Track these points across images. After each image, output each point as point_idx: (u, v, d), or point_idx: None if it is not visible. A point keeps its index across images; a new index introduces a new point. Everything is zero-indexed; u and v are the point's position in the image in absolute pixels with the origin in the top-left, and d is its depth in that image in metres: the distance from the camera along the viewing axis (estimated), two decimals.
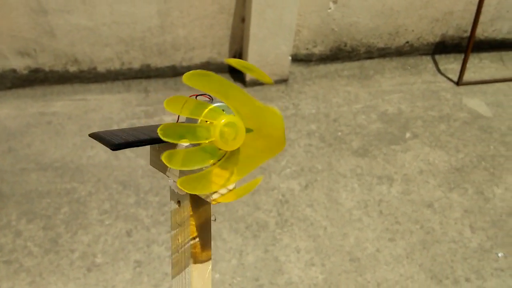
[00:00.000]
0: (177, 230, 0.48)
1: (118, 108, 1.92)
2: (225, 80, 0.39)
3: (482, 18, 2.30)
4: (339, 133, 1.86)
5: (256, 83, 2.10)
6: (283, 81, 2.14)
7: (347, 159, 1.73)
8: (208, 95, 0.42)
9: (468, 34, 2.39)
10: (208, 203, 0.46)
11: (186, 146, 0.42)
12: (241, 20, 2.02)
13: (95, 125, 1.83)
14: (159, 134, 0.39)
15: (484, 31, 2.44)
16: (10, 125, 1.81)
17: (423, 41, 2.39)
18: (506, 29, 2.47)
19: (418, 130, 1.90)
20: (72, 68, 1.98)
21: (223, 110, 0.41)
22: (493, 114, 2.02)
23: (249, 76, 2.07)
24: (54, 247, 1.38)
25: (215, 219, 0.49)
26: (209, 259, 0.48)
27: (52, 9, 1.79)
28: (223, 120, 0.40)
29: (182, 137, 0.40)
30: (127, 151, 1.71)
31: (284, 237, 1.42)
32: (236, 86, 0.39)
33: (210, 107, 0.41)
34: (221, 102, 0.41)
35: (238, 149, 0.42)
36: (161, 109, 1.94)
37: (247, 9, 1.94)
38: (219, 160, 0.42)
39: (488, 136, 1.88)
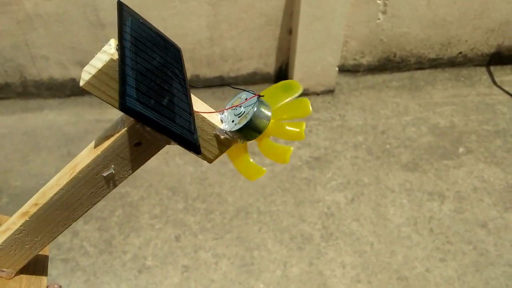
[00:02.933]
0: None
1: None
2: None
3: None
4: (387, 146, 1.83)
5: (302, 94, 2.10)
6: (329, 91, 2.13)
7: (396, 173, 1.69)
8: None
9: None
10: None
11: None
12: (288, 32, 2.04)
13: None
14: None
15: None
16: (69, 130, 1.92)
17: (477, 51, 2.30)
18: None
19: (472, 145, 1.83)
20: None
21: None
22: None
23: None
24: (108, 248, 1.45)
25: None
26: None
27: (110, 23, 1.89)
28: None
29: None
30: (177, 159, 1.77)
31: (329, 251, 1.41)
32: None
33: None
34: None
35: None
36: None
37: (295, 21, 1.95)
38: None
39: None
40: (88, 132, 1.91)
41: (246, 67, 2.13)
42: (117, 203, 1.59)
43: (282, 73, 2.19)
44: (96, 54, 0.36)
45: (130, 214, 1.55)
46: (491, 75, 2.29)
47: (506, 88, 2.19)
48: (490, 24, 2.21)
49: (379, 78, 2.25)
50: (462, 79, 2.26)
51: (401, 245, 1.42)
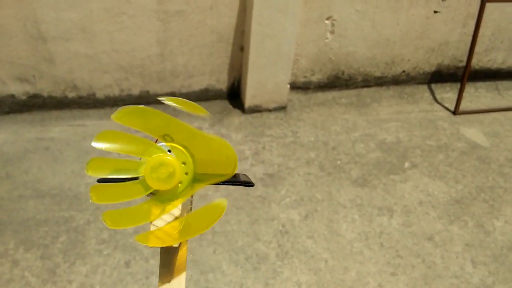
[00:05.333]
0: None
1: None
2: (165, 115, 0.37)
3: (477, 48, 2.36)
4: (338, 162, 1.87)
5: (254, 110, 2.11)
6: (281, 108, 2.15)
7: (347, 189, 1.73)
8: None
9: (463, 64, 2.44)
10: (182, 249, 0.44)
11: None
12: (240, 49, 2.04)
13: (93, 151, 1.81)
14: (86, 170, 0.38)
15: (479, 61, 2.49)
16: (7, 150, 1.79)
17: (419, 70, 2.43)
18: (500, 59, 2.52)
19: (416, 159, 1.91)
20: (71, 94, 1.97)
21: (168, 151, 0.39)
22: (491, 144, 2.04)
23: (248, 103, 2.08)
24: (51, 278, 1.35)
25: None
26: None
27: (52, 36, 1.80)
28: (155, 155, 0.38)
29: (113, 172, 0.39)
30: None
31: (284, 270, 1.41)
32: (178, 120, 0.38)
33: (152, 145, 0.39)
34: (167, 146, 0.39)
35: (176, 187, 0.40)
36: None
37: (246, 38, 1.96)
38: (152, 194, 0.40)
39: (487, 167, 1.89)
40: (29, 152, 1.79)
41: (198, 84, 2.11)
42: (60, 228, 1.49)
43: (235, 89, 2.18)
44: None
45: (75, 240, 1.46)
46: (432, 92, 2.42)
47: (446, 105, 2.32)
48: (431, 44, 2.35)
49: (329, 95, 2.31)
50: (406, 96, 2.37)
51: (354, 260, 1.44)
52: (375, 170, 1.83)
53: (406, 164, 1.88)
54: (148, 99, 2.07)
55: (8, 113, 1.96)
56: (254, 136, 1.97)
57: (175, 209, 0.40)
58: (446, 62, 2.44)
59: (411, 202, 1.68)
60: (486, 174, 1.85)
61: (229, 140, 1.91)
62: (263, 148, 1.90)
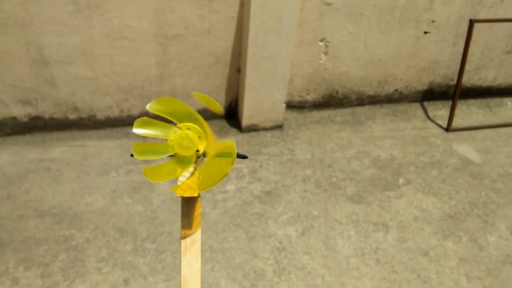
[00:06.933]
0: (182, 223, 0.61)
1: (116, 154, 1.95)
2: (186, 106, 0.55)
3: (467, 67, 2.42)
4: (334, 179, 1.90)
5: (251, 129, 2.16)
6: (278, 127, 2.20)
7: (343, 205, 1.76)
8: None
9: (454, 82, 2.50)
10: (196, 204, 0.60)
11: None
12: (236, 70, 2.11)
13: (93, 171, 1.85)
14: (133, 153, 0.55)
15: (470, 79, 2.55)
16: (9, 171, 1.82)
17: (411, 88, 2.49)
18: (491, 77, 2.58)
19: (410, 176, 1.94)
20: (72, 116, 2.02)
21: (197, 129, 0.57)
22: (483, 161, 2.08)
23: (245, 122, 2.13)
24: None
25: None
26: (198, 252, 0.60)
27: (54, 60, 1.85)
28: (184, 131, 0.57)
29: (154, 153, 0.55)
30: (125, 197, 1.73)
31: (282, 286, 1.42)
32: (198, 114, 0.56)
33: (174, 128, 0.56)
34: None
35: (199, 167, 0.57)
36: None
37: (243, 60, 2.02)
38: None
39: (479, 182, 1.93)
40: (30, 172, 1.82)
41: (196, 104, 2.15)
42: (60, 247, 1.52)
43: (232, 109, 2.23)
44: None
45: (75, 258, 1.48)
46: (425, 110, 2.47)
47: (439, 122, 2.37)
48: (422, 63, 2.42)
49: (324, 113, 2.36)
50: (399, 114, 2.42)
51: (350, 276, 1.46)
52: (370, 187, 1.86)
53: (401, 181, 1.92)
54: None
55: (9, 134, 2.00)
56: (251, 154, 2.01)
57: (186, 173, 0.57)
58: (438, 80, 2.51)
59: (406, 218, 1.71)
60: (479, 189, 1.89)
61: None
62: (260, 166, 1.94)
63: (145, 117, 0.57)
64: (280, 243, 1.58)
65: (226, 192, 1.79)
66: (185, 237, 0.60)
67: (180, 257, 0.60)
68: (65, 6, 1.75)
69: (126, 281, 1.42)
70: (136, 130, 0.56)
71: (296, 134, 2.18)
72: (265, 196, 1.78)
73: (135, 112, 2.08)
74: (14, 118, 1.97)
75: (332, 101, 2.38)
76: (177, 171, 0.56)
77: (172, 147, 0.55)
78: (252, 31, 1.88)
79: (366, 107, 2.44)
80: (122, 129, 2.10)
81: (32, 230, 1.57)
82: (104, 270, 1.45)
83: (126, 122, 2.10)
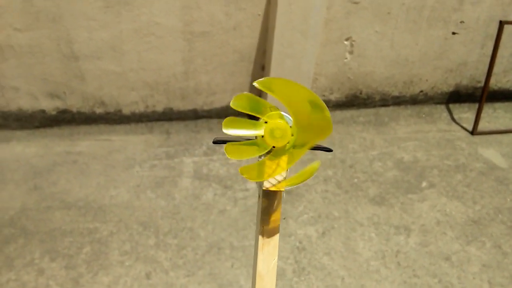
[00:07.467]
0: (259, 219, 0.60)
1: (140, 149, 1.98)
2: (290, 81, 0.52)
3: (495, 69, 2.37)
4: (356, 180, 1.89)
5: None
6: None
7: (364, 207, 1.75)
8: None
9: (481, 84, 2.45)
10: (278, 201, 0.59)
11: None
12: (261, 68, 2.11)
13: (119, 165, 1.88)
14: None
15: (497, 82, 2.49)
16: (37, 163, 1.88)
17: (437, 90, 2.45)
18: None
19: (434, 179, 1.92)
20: (99, 110, 2.06)
21: (282, 117, 0.53)
22: (509, 166, 2.03)
23: None
24: (75, 287, 1.41)
25: (284, 218, 0.62)
26: (276, 248, 0.59)
27: (84, 55, 1.89)
28: (277, 121, 0.53)
29: (241, 128, 0.53)
30: (149, 192, 1.76)
31: (301, 286, 1.43)
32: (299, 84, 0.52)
33: (273, 112, 0.53)
34: (286, 113, 0.54)
35: (285, 146, 0.53)
36: (182, 150, 2.00)
37: (267, 58, 2.02)
38: (268, 153, 0.54)
39: (505, 188, 1.89)
40: (57, 165, 1.87)
41: (220, 101, 2.17)
42: (85, 240, 1.56)
43: None
44: None
45: (98, 251, 1.52)
46: (450, 112, 2.43)
47: (464, 125, 2.32)
48: (449, 64, 2.37)
49: (347, 113, 2.34)
50: (424, 116, 2.39)
51: (370, 278, 1.46)
52: (392, 189, 1.85)
53: (424, 184, 1.89)
54: (171, 116, 2.15)
55: (38, 127, 2.06)
56: None
57: (284, 172, 0.55)
58: (465, 82, 2.46)
59: (429, 222, 1.69)
60: (504, 195, 1.85)
61: None
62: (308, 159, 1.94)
63: (231, 117, 0.55)
64: (300, 242, 1.58)
65: (247, 190, 1.80)
66: (263, 232, 0.59)
67: (256, 253, 0.59)
68: (95, 1, 1.78)
69: (148, 275, 1.45)
70: (227, 131, 0.54)
71: None
72: (286, 195, 1.78)
73: (159, 108, 2.11)
74: (43, 111, 2.02)
75: (355, 101, 2.36)
76: (271, 168, 0.54)
77: (263, 142, 0.53)
78: (278, 29, 1.88)
79: (390, 108, 2.41)
80: (146, 125, 2.13)
81: (58, 221, 1.62)
82: (127, 264, 1.48)
83: (151, 117, 2.13)
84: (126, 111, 2.09)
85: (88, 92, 2.00)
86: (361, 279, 1.45)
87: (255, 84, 0.51)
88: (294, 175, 0.55)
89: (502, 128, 2.32)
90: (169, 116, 2.15)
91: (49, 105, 2.01)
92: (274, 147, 0.53)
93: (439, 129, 2.28)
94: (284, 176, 0.55)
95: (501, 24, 2.12)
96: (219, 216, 1.67)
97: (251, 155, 0.54)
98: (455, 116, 2.40)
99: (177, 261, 1.50)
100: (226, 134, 0.54)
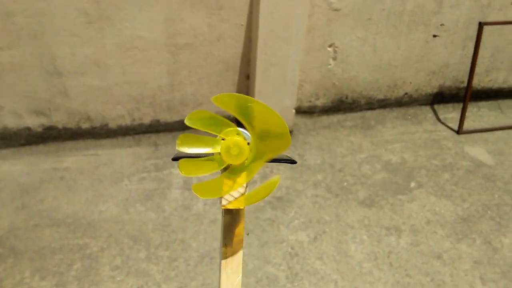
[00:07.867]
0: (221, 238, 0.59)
1: (129, 162, 1.97)
2: (245, 97, 0.50)
3: (477, 69, 2.41)
4: (345, 183, 1.90)
5: None
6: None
7: (355, 210, 1.75)
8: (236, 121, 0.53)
9: (465, 84, 2.49)
10: (240, 217, 0.57)
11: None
12: (246, 77, 2.12)
13: (106, 180, 1.87)
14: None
15: (480, 81, 2.54)
16: (23, 181, 1.85)
17: (421, 92, 2.48)
18: (501, 79, 2.57)
19: (422, 179, 1.93)
20: (85, 125, 2.05)
21: (239, 133, 0.52)
22: (495, 163, 2.06)
23: None
24: None
25: (247, 234, 0.60)
26: (240, 266, 0.58)
27: (67, 71, 1.89)
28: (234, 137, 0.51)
29: (196, 146, 0.52)
30: (138, 205, 1.74)
31: None
32: (254, 100, 0.50)
33: (230, 128, 0.51)
34: (243, 129, 0.52)
35: (243, 163, 0.52)
36: (170, 162, 1.99)
37: (252, 67, 2.04)
38: (225, 170, 0.52)
39: (492, 184, 1.91)
40: (44, 182, 1.85)
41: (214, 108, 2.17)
42: (75, 256, 1.54)
43: None
44: None
45: (89, 267, 1.50)
46: (435, 113, 2.46)
47: (450, 125, 2.36)
48: (431, 66, 2.41)
49: (334, 118, 2.36)
50: (409, 117, 2.42)
51: (363, 281, 1.46)
52: (381, 191, 1.86)
53: (412, 184, 1.91)
54: (158, 128, 2.14)
55: (24, 145, 2.04)
56: None
57: (241, 187, 0.53)
58: (448, 83, 2.50)
59: (419, 222, 1.70)
60: (492, 191, 1.87)
61: None
62: (271, 171, 1.95)
63: (187, 133, 0.53)
64: (292, 248, 1.58)
65: None
66: (226, 251, 0.57)
67: (220, 272, 0.58)
68: (77, 17, 1.78)
69: None
70: (182, 149, 0.52)
71: (306, 139, 2.18)
72: (277, 202, 1.78)
73: (146, 120, 2.11)
74: (28, 128, 2.00)
75: (341, 105, 2.39)
76: (227, 185, 0.52)
77: (220, 159, 0.51)
78: (261, 38, 1.89)
79: (376, 111, 2.43)
80: (134, 137, 2.13)
81: (47, 239, 1.60)
82: (118, 278, 1.46)
83: (138, 130, 2.12)
84: (112, 125, 2.08)
85: (73, 108, 1.99)
86: (354, 282, 1.45)
87: (212, 99, 0.50)
88: (253, 191, 0.54)
89: (487, 126, 2.36)
90: (156, 128, 2.14)
91: (34, 122, 1.99)
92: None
93: (425, 130, 2.31)
94: (242, 192, 0.53)
95: (481, 25, 2.16)
96: (210, 225, 1.66)
97: (208, 171, 0.52)
98: (441, 117, 2.43)
99: (169, 273, 1.48)
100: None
